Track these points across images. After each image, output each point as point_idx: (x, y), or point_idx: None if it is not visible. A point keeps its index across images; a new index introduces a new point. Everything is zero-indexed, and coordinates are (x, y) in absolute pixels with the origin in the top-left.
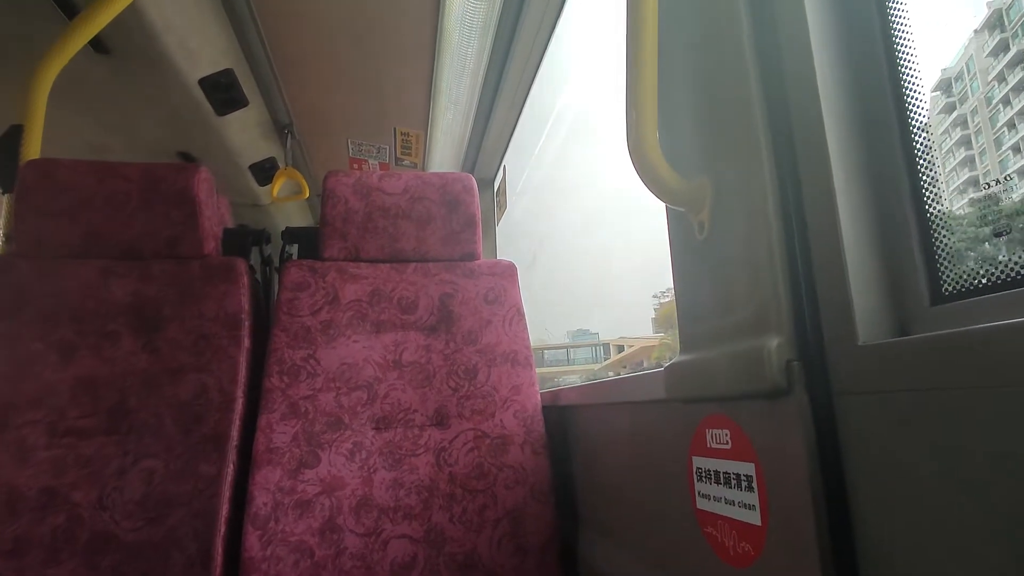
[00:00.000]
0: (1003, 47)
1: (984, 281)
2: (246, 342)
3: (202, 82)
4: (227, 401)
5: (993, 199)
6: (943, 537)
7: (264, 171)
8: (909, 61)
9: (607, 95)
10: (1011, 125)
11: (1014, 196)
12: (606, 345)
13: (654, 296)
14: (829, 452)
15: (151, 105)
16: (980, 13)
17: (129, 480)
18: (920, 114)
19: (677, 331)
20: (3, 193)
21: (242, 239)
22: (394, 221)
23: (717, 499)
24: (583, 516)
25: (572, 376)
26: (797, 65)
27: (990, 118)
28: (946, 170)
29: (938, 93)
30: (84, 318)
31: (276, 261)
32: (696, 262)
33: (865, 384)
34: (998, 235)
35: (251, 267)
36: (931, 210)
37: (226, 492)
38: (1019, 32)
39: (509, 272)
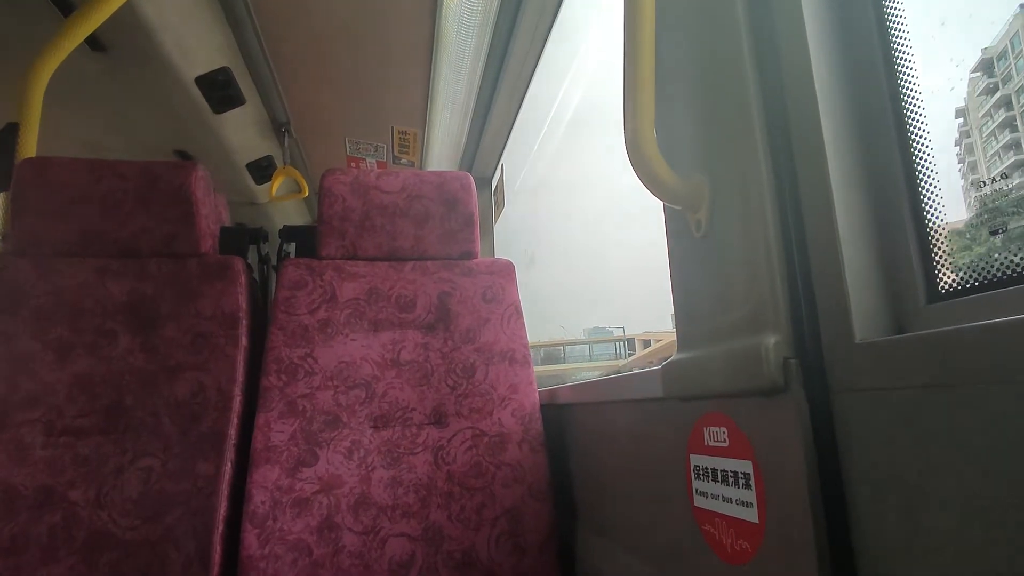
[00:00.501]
0: None
1: (980, 279)
2: (244, 341)
3: (199, 80)
4: (225, 400)
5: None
6: (939, 533)
7: (261, 169)
8: (906, 60)
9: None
10: None
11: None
12: (630, 340)
13: None
14: (826, 449)
15: (147, 103)
16: None
17: (127, 479)
18: (917, 112)
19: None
20: None
21: (239, 237)
22: (392, 219)
23: (715, 497)
24: (581, 514)
25: (593, 374)
26: (794, 63)
27: None
28: (987, 154)
29: (978, 74)
30: (81, 316)
31: (274, 260)
32: (693, 260)
33: (862, 382)
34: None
35: (248, 266)
36: (927, 208)
37: (224, 491)
38: None
39: (507, 271)
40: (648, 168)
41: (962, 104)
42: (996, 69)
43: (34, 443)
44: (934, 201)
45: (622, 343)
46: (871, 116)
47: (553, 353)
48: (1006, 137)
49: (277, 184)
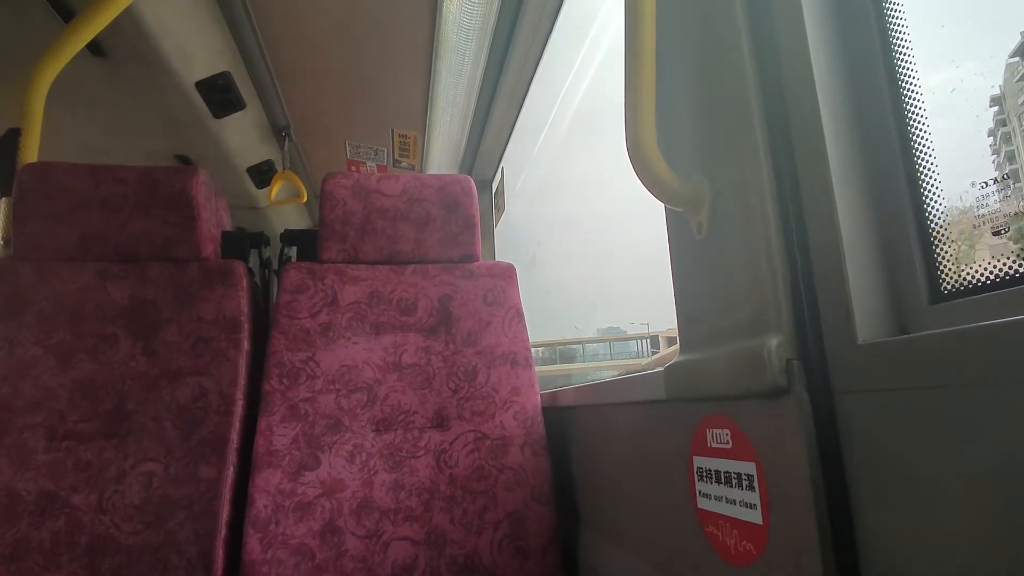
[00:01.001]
0: None
1: (982, 279)
2: (245, 345)
3: (199, 85)
4: (226, 404)
5: None
6: (944, 534)
7: (262, 174)
8: (906, 61)
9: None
10: None
11: None
12: (654, 337)
13: None
14: (829, 451)
15: (148, 108)
16: None
17: (129, 483)
18: (918, 112)
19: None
20: (1, 197)
21: (241, 242)
22: (393, 223)
23: (718, 499)
24: (584, 517)
25: (608, 374)
26: (794, 65)
27: None
28: None
29: (1017, 59)
30: (83, 321)
31: (275, 264)
32: (695, 262)
33: (865, 383)
34: None
35: (250, 270)
36: (929, 208)
37: (226, 495)
38: None
39: (508, 273)
40: (649, 170)
41: (997, 92)
42: None
43: (36, 448)
44: (936, 200)
45: (644, 341)
46: (872, 116)
47: (570, 352)
48: None
49: (276, 188)
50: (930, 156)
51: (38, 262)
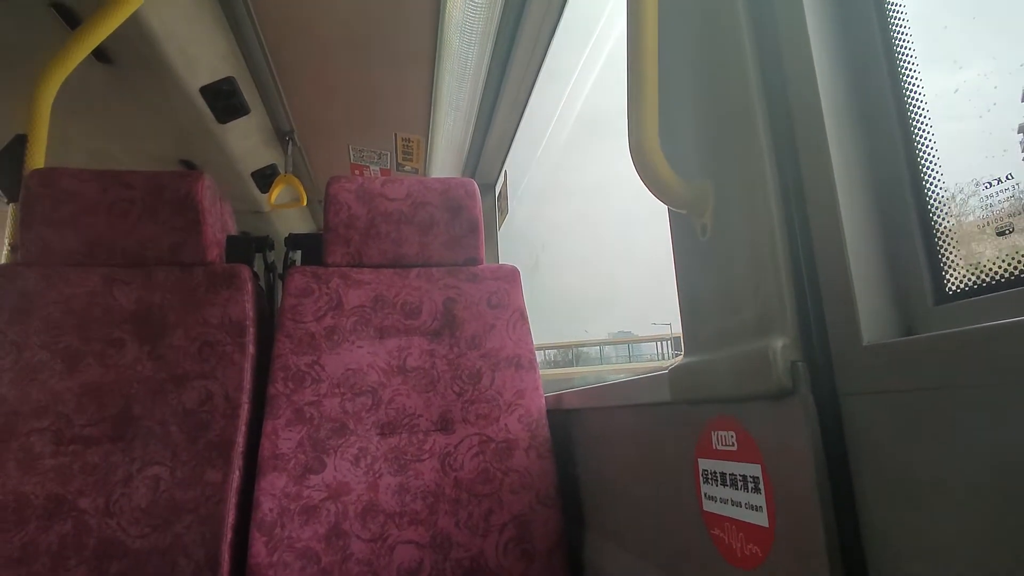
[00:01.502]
0: None
1: (988, 280)
2: (251, 348)
3: (203, 90)
4: (232, 408)
5: None
6: (951, 537)
7: (266, 178)
8: (909, 61)
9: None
10: None
11: None
12: (677, 339)
13: None
14: (835, 452)
15: (153, 113)
16: None
17: (136, 487)
18: (922, 113)
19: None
20: (8, 202)
21: (246, 246)
22: (397, 226)
23: (724, 501)
24: (589, 520)
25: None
26: (797, 66)
27: None
28: None
29: None
30: (89, 326)
31: (280, 268)
32: (699, 264)
33: (870, 384)
34: None
35: (255, 274)
36: (933, 210)
37: (232, 498)
38: None
39: (512, 276)
40: (652, 172)
41: None
42: None
43: (43, 452)
44: (940, 201)
45: (667, 342)
46: (875, 117)
47: (585, 353)
48: None
49: (277, 192)
50: (934, 156)
51: (45, 267)
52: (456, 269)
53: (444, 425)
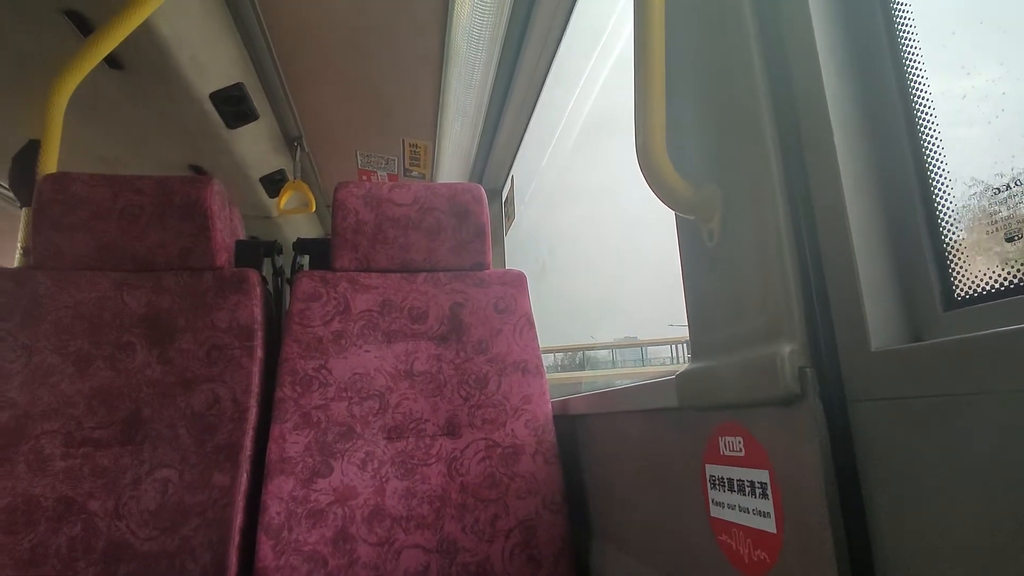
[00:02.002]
0: None
1: (997, 286)
2: (259, 352)
3: (213, 96)
4: (240, 411)
5: None
6: (960, 544)
7: (274, 183)
8: (916, 67)
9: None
10: None
11: None
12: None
13: None
14: (843, 459)
15: (163, 119)
16: None
17: (144, 489)
18: (930, 119)
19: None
20: (21, 207)
21: (254, 250)
22: (404, 231)
23: (731, 507)
24: (596, 526)
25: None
26: (804, 72)
27: None
28: None
29: None
30: (99, 329)
31: (288, 272)
32: (706, 270)
33: (878, 390)
34: None
35: (263, 278)
36: (942, 215)
37: (240, 502)
38: None
39: (519, 281)
40: (659, 177)
41: None
42: None
43: (54, 454)
44: (949, 207)
45: (681, 345)
46: (883, 122)
47: (592, 357)
48: None
49: (286, 198)
50: (942, 162)
51: (56, 271)
52: (463, 274)
53: (451, 430)
